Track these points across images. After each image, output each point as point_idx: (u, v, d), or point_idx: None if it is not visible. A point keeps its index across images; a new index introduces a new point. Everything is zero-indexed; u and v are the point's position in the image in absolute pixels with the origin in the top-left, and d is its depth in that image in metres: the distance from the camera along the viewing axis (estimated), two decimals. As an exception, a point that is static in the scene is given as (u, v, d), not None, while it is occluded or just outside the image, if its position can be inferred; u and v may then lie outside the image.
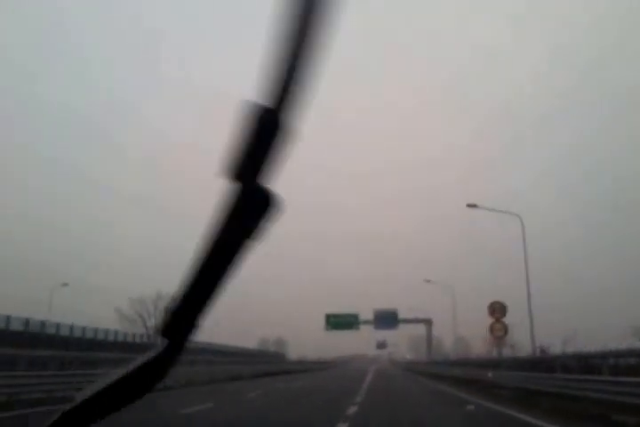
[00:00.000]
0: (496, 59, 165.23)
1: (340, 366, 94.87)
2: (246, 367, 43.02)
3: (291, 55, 0.90)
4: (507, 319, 26.95)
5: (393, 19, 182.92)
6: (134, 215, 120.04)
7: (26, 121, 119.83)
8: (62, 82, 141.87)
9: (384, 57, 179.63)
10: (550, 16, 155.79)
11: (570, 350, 26.35)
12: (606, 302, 78.15)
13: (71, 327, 33.14)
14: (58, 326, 32.28)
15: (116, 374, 1.00)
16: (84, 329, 34.49)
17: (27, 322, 30.01)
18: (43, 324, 31.31)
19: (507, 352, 39.27)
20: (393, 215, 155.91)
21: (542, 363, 19.36)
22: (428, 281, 53.77)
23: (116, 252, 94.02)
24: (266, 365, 53.41)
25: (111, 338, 37.81)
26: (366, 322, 69.08)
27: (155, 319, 65.06)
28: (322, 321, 68.84)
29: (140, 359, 0.99)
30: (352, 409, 13.60)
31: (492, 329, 26.91)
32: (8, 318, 28.57)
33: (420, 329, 77.22)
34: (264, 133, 0.92)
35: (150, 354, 0.99)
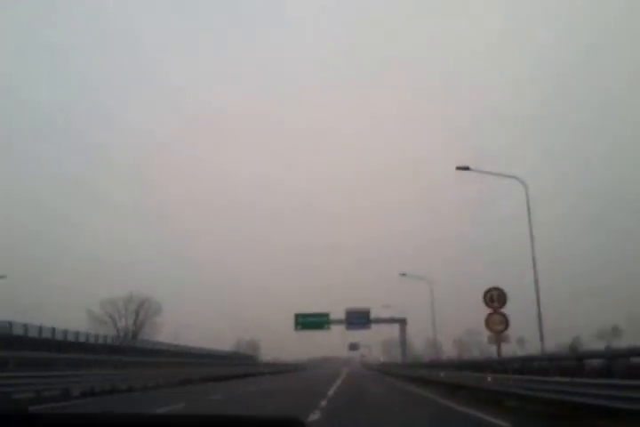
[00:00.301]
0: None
1: (309, 369, 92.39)
2: (204, 370, 40.65)
3: None
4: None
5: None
6: (106, 216, 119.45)
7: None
8: (47, 82, 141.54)
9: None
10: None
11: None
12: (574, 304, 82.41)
13: (40, 328, 32.31)
14: (26, 326, 31.37)
15: None
16: (53, 330, 33.59)
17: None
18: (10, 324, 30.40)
19: (509, 350, 34.85)
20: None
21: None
22: (403, 275, 49.84)
23: (85, 252, 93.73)
24: (232, 367, 51.15)
25: (71, 339, 36.10)
26: (337, 322, 66.98)
27: (126, 321, 64.51)
28: (293, 322, 67.11)
29: None
30: (313, 417, 11.90)
31: (488, 322, 22.06)
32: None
33: (394, 331, 75.54)
34: None
35: None
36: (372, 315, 67.14)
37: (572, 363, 13.49)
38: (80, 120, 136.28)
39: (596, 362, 13.74)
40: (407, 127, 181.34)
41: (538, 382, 13.28)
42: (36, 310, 47.21)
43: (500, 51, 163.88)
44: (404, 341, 71.94)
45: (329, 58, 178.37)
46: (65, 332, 35.12)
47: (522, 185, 23.26)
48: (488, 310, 22.36)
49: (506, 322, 22.17)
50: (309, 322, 66.51)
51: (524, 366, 16.85)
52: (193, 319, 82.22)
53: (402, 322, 69.45)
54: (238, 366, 56.35)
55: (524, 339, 61.33)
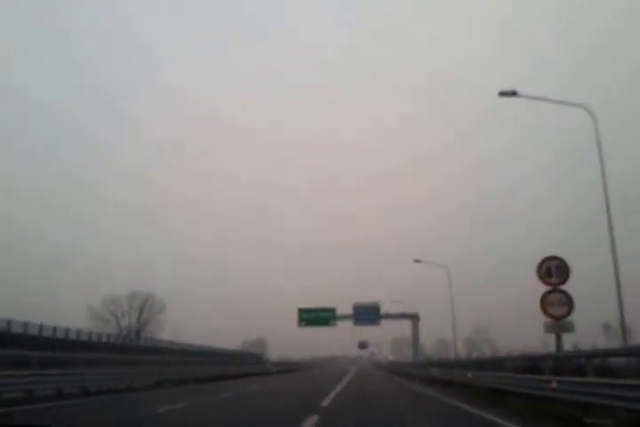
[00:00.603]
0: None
1: (315, 368, 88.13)
2: (201, 369, 38.77)
3: None
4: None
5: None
6: (107, 215, 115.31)
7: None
8: (50, 82, 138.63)
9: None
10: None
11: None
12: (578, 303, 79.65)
13: (40, 327, 31.33)
14: (26, 325, 30.32)
15: None
16: (54, 329, 32.62)
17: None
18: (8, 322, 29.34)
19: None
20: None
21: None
22: (418, 261, 44.61)
23: (86, 251, 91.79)
24: (235, 367, 49.40)
25: (73, 337, 35.01)
26: (344, 317, 62.54)
27: (129, 318, 63.53)
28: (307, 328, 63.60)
29: None
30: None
31: (544, 304, 15.78)
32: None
33: (404, 329, 73.37)
34: None
35: None
36: (382, 311, 62.57)
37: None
38: (79, 119, 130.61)
39: None
40: (407, 127, 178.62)
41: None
42: (36, 308, 46.83)
43: (501, 51, 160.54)
44: (416, 338, 66.71)
45: (329, 58, 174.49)
46: (67, 330, 34.23)
47: (589, 116, 17.51)
48: (543, 288, 15.93)
49: (569, 304, 15.68)
50: (314, 318, 62.31)
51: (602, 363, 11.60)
52: (197, 318, 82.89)
53: (414, 318, 64.84)
54: (242, 365, 54.11)
55: (610, 325, 50.62)
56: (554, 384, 11.18)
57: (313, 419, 10.72)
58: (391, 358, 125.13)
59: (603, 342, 40.42)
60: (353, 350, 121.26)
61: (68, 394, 18.15)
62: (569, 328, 15.73)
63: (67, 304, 63.30)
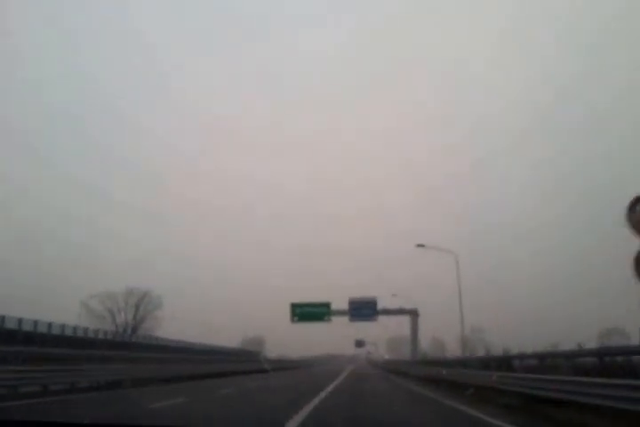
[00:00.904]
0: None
1: (311, 367, 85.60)
2: (194, 367, 38.00)
3: None
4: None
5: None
6: (107, 213, 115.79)
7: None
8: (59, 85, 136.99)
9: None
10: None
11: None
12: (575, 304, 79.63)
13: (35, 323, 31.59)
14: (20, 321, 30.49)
15: None
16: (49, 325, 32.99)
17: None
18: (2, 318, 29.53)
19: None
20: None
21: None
22: (422, 246, 40.34)
23: (83, 248, 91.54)
24: (228, 364, 47.67)
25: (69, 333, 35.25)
26: (340, 313, 59.75)
27: (125, 315, 62.92)
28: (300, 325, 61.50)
29: None
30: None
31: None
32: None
33: (401, 328, 70.88)
34: None
35: None
36: (379, 307, 60.03)
37: None
38: (79, 118, 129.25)
39: None
40: (407, 127, 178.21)
41: None
42: (32, 303, 46.85)
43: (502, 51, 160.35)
44: (415, 335, 62.63)
45: (329, 58, 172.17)
46: (62, 326, 34.22)
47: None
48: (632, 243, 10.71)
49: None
50: (308, 313, 59.54)
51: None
52: (197, 317, 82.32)
53: (413, 313, 61.35)
54: (238, 363, 52.46)
55: None
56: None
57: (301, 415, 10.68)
58: (387, 356, 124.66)
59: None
60: (350, 349, 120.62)
61: (57, 391, 18.04)
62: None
63: (64, 301, 62.99)
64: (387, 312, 61.92)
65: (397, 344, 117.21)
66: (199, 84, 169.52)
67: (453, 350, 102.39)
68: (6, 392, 15.51)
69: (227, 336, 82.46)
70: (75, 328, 36.13)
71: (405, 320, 64.65)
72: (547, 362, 16.40)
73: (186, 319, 71.10)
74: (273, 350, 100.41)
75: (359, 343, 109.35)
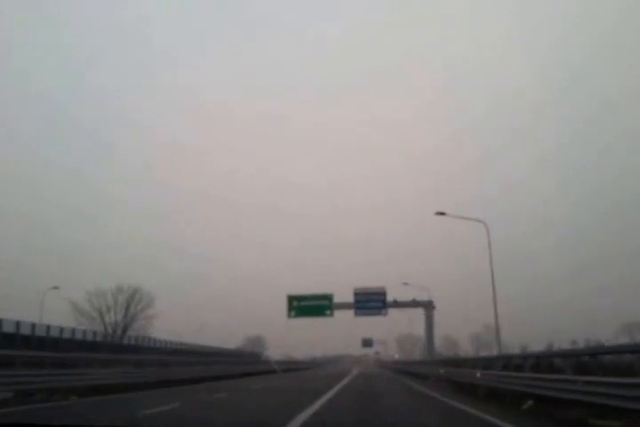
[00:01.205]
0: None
1: (314, 369, 78.42)
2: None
3: None
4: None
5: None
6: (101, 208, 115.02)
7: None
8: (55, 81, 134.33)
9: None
10: None
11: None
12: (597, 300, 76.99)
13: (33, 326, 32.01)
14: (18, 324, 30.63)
15: None
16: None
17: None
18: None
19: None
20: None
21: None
22: (442, 214, 32.38)
23: (79, 244, 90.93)
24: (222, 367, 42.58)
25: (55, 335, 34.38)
26: (343, 306, 51.69)
27: (115, 314, 60.37)
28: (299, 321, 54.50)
29: None
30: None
31: None
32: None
33: (414, 322, 63.90)
34: None
35: None
36: (389, 299, 51.81)
37: None
38: (78, 119, 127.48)
39: None
40: (407, 127, 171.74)
41: None
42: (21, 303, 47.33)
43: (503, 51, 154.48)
44: (431, 330, 54.23)
45: (329, 58, 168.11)
46: (48, 327, 33.51)
47: None
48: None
49: None
50: (307, 307, 51.30)
51: None
52: (189, 314, 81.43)
53: (427, 306, 52.78)
54: (238, 365, 47.22)
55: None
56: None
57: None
58: (397, 356, 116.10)
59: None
60: (356, 349, 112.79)
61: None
62: None
63: (53, 300, 58.69)
64: (397, 305, 53.34)
65: (408, 344, 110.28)
66: (199, 82, 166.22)
67: (465, 347, 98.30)
68: None
69: (226, 335, 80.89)
70: (61, 330, 34.97)
71: (418, 315, 56.31)
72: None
73: (180, 318, 72.40)
74: (273, 351, 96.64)
75: (366, 343, 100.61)
